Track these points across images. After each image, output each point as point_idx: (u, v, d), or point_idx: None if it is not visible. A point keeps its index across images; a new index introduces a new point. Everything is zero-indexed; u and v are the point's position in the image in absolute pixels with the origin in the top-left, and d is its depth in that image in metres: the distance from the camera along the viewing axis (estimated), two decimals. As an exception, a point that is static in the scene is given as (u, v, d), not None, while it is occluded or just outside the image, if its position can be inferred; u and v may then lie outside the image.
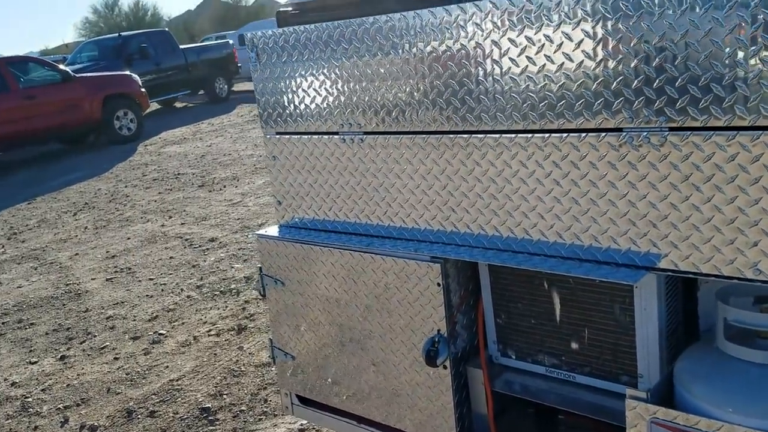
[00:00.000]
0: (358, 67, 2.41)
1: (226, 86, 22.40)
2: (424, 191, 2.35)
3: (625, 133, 1.87)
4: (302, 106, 2.65)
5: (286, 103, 2.70)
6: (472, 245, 2.31)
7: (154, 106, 20.52)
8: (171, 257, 7.43)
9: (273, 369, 4.55)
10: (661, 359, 2.15)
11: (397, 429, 2.65)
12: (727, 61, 1.65)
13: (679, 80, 1.74)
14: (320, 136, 2.63)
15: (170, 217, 9.09)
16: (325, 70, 2.52)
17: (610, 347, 2.25)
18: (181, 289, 6.44)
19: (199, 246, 7.70)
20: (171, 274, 6.90)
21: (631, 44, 1.79)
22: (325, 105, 2.57)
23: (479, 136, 2.17)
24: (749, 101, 1.64)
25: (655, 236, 1.89)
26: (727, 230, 1.75)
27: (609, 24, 1.82)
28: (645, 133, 1.83)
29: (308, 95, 2.61)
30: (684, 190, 1.80)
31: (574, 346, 2.34)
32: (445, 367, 2.38)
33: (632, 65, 1.80)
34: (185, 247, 7.71)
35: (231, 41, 23.27)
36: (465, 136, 2.21)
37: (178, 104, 22.67)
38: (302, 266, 2.75)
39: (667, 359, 2.16)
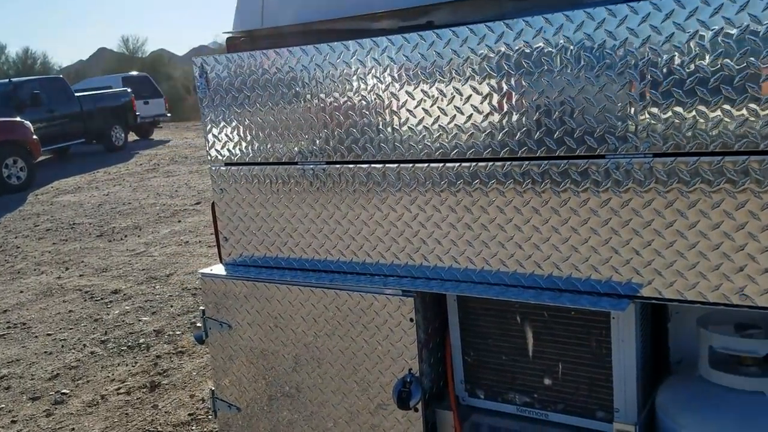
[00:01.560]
0: (318, 96, 2.31)
1: (123, 135, 21.57)
2: (392, 222, 2.25)
3: (607, 160, 1.87)
4: (256, 136, 2.50)
5: (237, 132, 2.54)
6: (443, 278, 2.22)
7: (46, 154, 19.36)
8: (70, 311, 6.83)
9: (214, 424, 4.19)
10: (637, 392, 2.12)
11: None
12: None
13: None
14: (276, 166, 2.48)
15: (67, 269, 8.42)
16: (283, 98, 2.39)
17: (586, 381, 2.20)
18: (84, 345, 5.90)
19: (101, 298, 7.14)
20: (71, 328, 6.33)
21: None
22: (282, 134, 2.43)
23: (452, 164, 2.11)
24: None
25: (638, 264, 1.88)
26: (713, 256, 1.76)
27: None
28: (629, 160, 1.83)
29: (264, 123, 2.47)
30: (668, 216, 1.81)
31: (548, 382, 2.27)
32: (416, 410, 2.24)
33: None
34: (85, 300, 7.13)
35: (129, 89, 22.51)
36: (437, 165, 2.14)
37: (72, 152, 21.53)
38: (255, 307, 2.54)
39: (643, 392, 2.13)
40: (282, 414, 2.56)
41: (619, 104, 1.80)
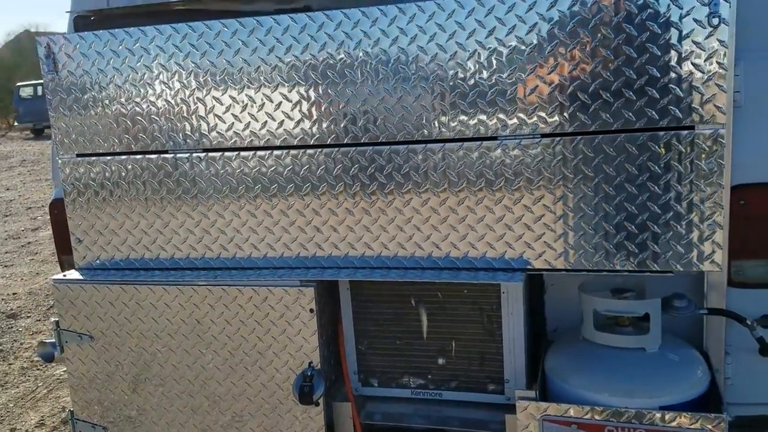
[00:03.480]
0: (193, 74, 2.14)
1: None
2: (282, 211, 2.15)
3: (500, 141, 1.96)
4: (116, 123, 2.24)
5: (92, 119, 2.26)
6: (340, 266, 2.17)
7: None
8: None
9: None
10: (525, 362, 2.25)
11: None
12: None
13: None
14: (142, 156, 2.25)
15: None
16: (149, 78, 2.18)
17: (477, 357, 2.29)
18: None
19: None
20: None
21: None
22: (149, 120, 2.22)
23: (329, 150, 2.08)
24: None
25: (530, 238, 1.99)
26: (596, 226, 1.92)
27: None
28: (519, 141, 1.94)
29: (124, 108, 2.22)
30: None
31: (441, 361, 2.32)
32: (317, 404, 2.16)
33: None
34: None
35: None
36: (331, 149, 2.09)
37: None
38: (122, 313, 2.28)
39: (529, 362, 2.27)
40: (158, 428, 2.33)
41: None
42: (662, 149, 1.81)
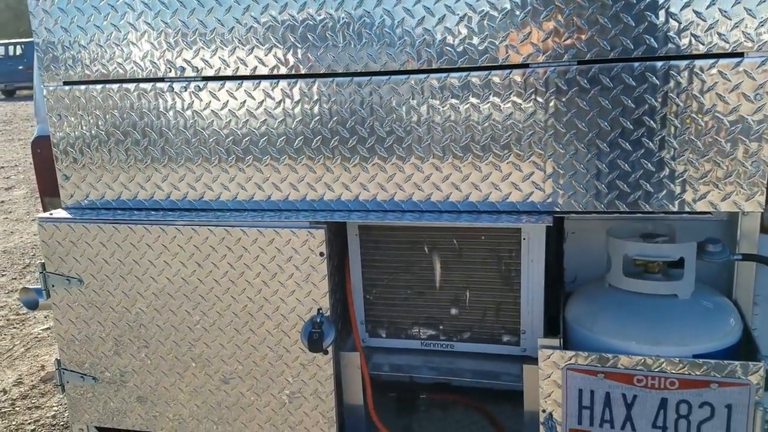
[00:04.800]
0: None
1: None
2: (288, 148, 1.99)
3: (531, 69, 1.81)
4: (107, 47, 2.06)
5: (81, 43, 2.07)
6: (350, 209, 2.03)
7: None
8: None
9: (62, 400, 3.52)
10: (542, 313, 2.15)
11: (255, 441, 2.19)
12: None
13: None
14: (135, 84, 2.07)
15: None
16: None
17: (493, 307, 2.18)
18: None
19: None
20: None
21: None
22: (143, 44, 2.03)
23: (351, 78, 1.92)
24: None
25: (558, 178, 1.86)
26: (633, 164, 1.80)
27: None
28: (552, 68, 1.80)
29: (117, 31, 2.04)
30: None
31: (454, 311, 2.21)
32: (326, 352, 2.04)
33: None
34: None
35: None
36: (340, 78, 1.93)
37: None
38: (115, 255, 2.12)
39: (545, 313, 2.16)
40: (154, 378, 2.19)
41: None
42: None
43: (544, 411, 1.92)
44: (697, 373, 1.75)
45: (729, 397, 1.74)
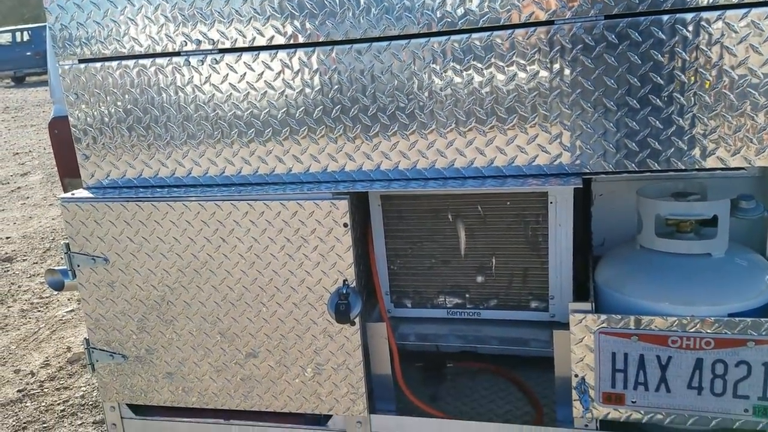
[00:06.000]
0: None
1: None
2: (309, 113, 1.96)
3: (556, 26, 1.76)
4: (121, 22, 2.03)
5: (95, 19, 2.04)
6: (372, 179, 2.00)
7: None
8: None
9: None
10: (571, 278, 2.12)
11: (285, 415, 2.20)
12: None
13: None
14: (151, 59, 2.04)
15: None
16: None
17: (520, 273, 2.15)
18: None
19: None
20: None
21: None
22: (156, 18, 2.00)
23: (370, 44, 1.88)
24: None
25: (587, 139, 1.82)
26: (665, 121, 1.75)
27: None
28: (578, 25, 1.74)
29: (131, 5, 2.00)
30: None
31: (480, 279, 2.19)
32: (353, 323, 2.03)
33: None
34: None
35: None
36: (364, 44, 1.89)
37: None
38: (139, 233, 2.11)
39: (575, 278, 2.13)
40: (182, 354, 2.19)
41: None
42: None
43: (576, 376, 1.90)
44: (734, 331, 1.72)
45: (766, 354, 1.71)
